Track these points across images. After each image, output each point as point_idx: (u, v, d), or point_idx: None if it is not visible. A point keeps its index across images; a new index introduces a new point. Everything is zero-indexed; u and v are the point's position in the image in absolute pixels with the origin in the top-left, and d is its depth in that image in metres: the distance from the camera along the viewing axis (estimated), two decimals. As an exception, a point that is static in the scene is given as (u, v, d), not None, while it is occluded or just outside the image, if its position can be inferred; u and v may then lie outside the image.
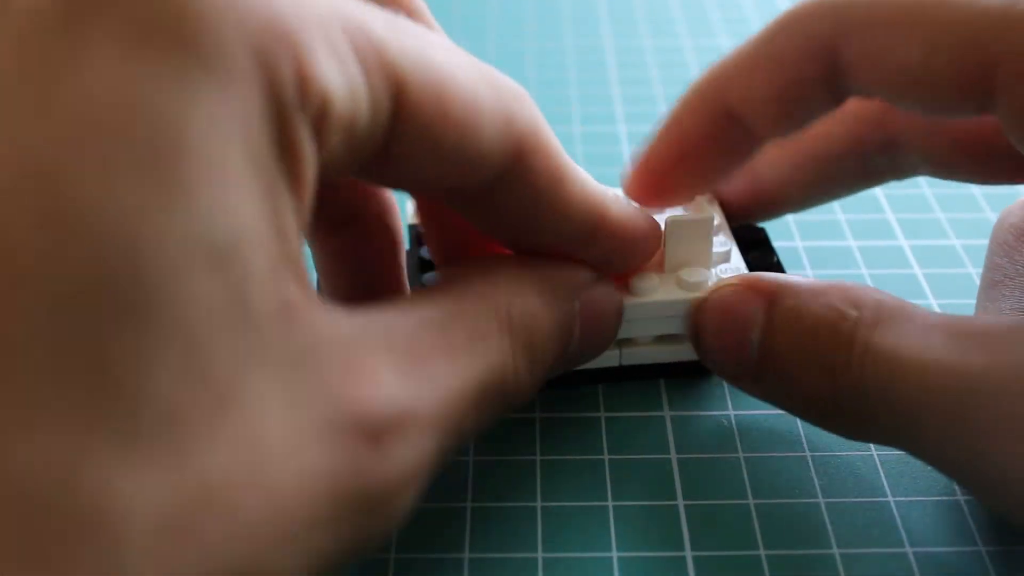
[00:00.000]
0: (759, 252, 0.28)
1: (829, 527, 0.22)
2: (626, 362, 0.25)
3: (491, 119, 0.18)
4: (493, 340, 0.19)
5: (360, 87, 0.16)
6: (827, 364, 0.21)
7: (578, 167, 0.21)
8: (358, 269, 0.24)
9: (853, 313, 0.21)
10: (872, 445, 0.24)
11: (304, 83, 0.15)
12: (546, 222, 0.21)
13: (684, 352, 0.25)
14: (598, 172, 0.30)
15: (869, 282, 0.30)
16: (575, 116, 0.41)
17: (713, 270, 0.25)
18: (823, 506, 0.23)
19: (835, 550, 0.22)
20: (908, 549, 0.22)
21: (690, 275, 0.24)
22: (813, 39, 0.22)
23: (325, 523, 0.14)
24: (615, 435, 0.25)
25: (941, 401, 0.19)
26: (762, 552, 0.22)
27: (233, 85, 0.14)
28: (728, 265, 0.26)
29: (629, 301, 0.24)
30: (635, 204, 0.24)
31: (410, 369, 0.17)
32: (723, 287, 0.23)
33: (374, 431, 0.15)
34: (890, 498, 0.23)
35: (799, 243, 0.32)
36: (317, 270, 0.24)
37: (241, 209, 0.14)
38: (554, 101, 0.42)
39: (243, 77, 0.14)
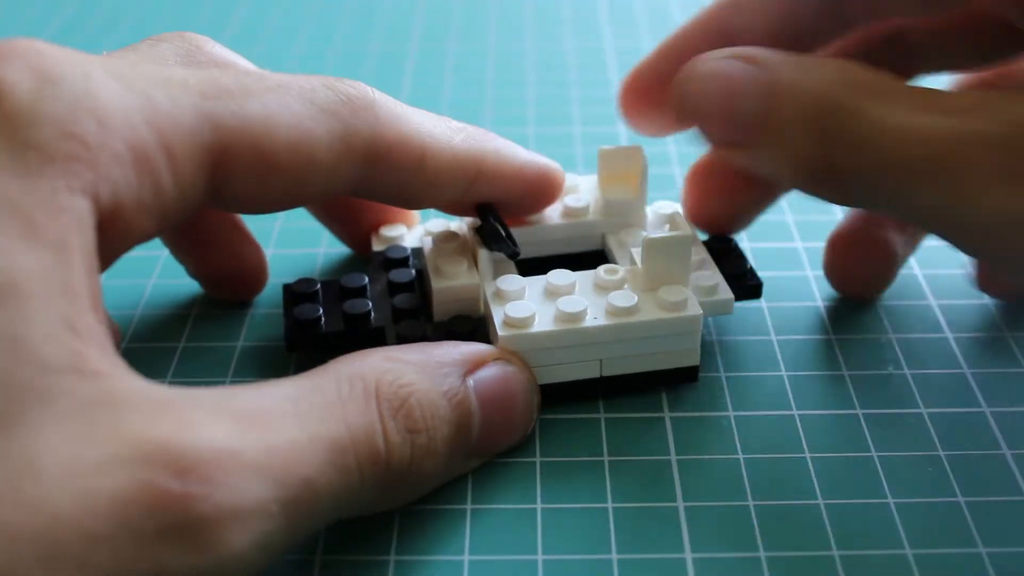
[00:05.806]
0: (731, 260, 0.28)
1: (829, 527, 0.22)
2: (607, 373, 0.25)
3: (327, 145, 0.22)
4: (353, 405, 0.20)
5: (162, 178, 0.20)
6: (826, 136, 0.22)
7: (442, 136, 0.24)
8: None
9: (847, 91, 0.22)
10: (872, 446, 0.24)
11: (96, 196, 0.18)
12: (422, 190, 0.25)
13: (665, 361, 0.26)
14: (598, 173, 0.30)
15: (869, 282, 0.30)
16: (575, 117, 0.41)
17: (691, 285, 0.26)
18: (823, 506, 0.23)
19: (835, 551, 0.22)
20: (908, 550, 0.22)
21: (670, 294, 0.25)
22: None
23: (106, 540, 0.15)
24: (615, 436, 0.25)
25: (921, 159, 0.20)
26: (762, 553, 0.22)
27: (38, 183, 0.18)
28: (703, 272, 0.26)
29: (610, 322, 0.24)
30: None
31: (243, 426, 0.18)
32: (713, 57, 0.24)
33: (181, 465, 0.16)
34: (890, 499, 0.23)
35: (799, 244, 0.32)
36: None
37: (20, 258, 0.17)
38: (554, 102, 0.42)
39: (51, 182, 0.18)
